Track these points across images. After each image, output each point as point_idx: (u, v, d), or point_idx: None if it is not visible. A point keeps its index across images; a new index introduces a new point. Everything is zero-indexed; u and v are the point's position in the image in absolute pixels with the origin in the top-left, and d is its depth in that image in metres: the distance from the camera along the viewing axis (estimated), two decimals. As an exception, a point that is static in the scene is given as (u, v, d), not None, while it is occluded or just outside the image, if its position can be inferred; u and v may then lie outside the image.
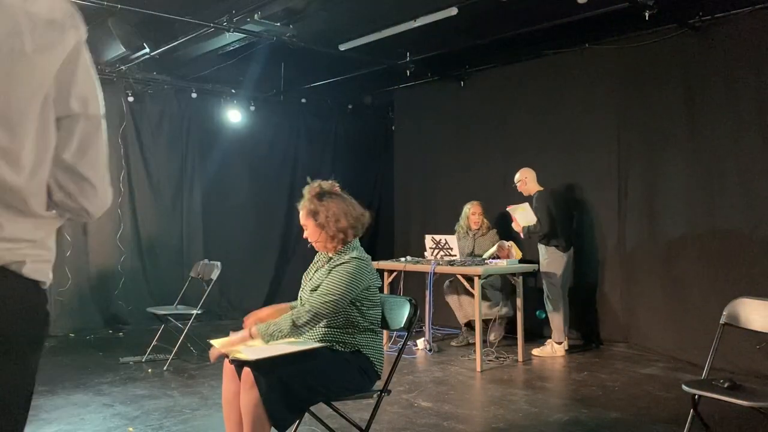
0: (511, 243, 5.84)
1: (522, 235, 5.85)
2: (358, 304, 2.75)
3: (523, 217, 5.76)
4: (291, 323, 2.60)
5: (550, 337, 5.84)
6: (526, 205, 5.77)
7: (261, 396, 2.44)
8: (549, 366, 5.43)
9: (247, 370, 2.49)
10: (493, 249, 5.88)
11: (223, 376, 2.73)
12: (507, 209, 5.87)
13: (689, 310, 5.36)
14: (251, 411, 2.47)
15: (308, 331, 2.69)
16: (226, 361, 2.69)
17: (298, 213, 2.89)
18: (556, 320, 5.80)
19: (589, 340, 6.26)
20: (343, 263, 2.75)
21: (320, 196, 2.85)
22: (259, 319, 2.76)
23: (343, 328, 2.75)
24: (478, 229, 6.20)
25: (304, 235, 2.90)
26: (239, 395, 2.58)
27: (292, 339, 2.68)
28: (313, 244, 2.89)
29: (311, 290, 2.79)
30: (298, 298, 2.94)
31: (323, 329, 2.76)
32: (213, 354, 2.64)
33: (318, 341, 2.75)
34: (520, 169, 6.02)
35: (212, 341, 2.73)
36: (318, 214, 2.81)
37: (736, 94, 5.12)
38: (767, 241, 4.91)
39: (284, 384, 2.49)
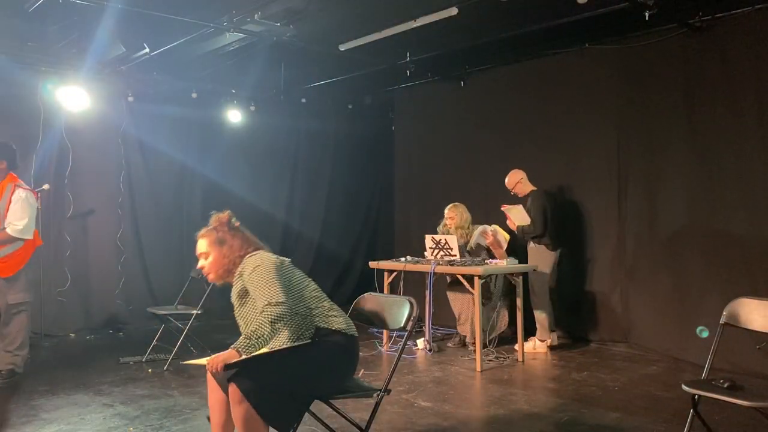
0: (495, 227, 5.83)
1: (517, 233, 5.96)
2: (279, 279, 2.73)
3: (516, 216, 5.85)
4: (267, 323, 2.56)
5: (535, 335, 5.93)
6: (520, 207, 5.87)
7: (254, 406, 2.45)
8: (549, 366, 5.43)
9: (233, 385, 2.49)
10: (476, 234, 5.85)
11: (207, 385, 2.79)
12: (502, 208, 5.94)
13: (689, 310, 5.36)
14: (244, 424, 2.48)
15: (282, 328, 2.68)
16: (209, 373, 2.69)
17: (197, 241, 2.94)
18: (542, 318, 5.88)
19: (589, 339, 6.27)
20: (243, 267, 2.79)
21: (230, 225, 2.93)
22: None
23: (293, 323, 2.73)
24: (459, 228, 6.06)
25: (199, 266, 2.92)
26: (223, 403, 2.66)
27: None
28: (211, 275, 2.89)
29: (236, 308, 2.83)
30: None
31: (282, 334, 2.75)
32: (217, 366, 2.53)
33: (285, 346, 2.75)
34: (513, 170, 6.06)
35: (191, 361, 2.76)
36: (224, 242, 2.86)
37: (736, 94, 5.12)
38: (767, 241, 4.91)
39: (274, 386, 2.50)
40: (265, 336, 2.57)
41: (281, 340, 2.75)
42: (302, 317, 2.76)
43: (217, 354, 2.59)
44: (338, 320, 2.81)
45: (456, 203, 6.19)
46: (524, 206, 5.88)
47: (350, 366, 2.85)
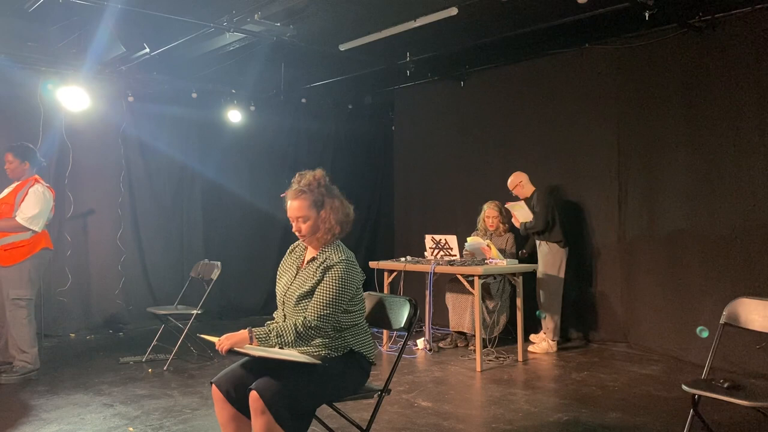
0: (488, 241, 5.83)
1: (520, 231, 5.98)
2: (344, 305, 2.66)
3: (520, 214, 5.90)
4: (295, 334, 2.52)
5: (545, 334, 5.92)
6: (522, 203, 5.90)
7: (275, 418, 2.38)
8: (549, 366, 5.43)
9: (254, 395, 2.41)
10: (476, 247, 5.87)
11: (214, 402, 2.64)
12: (506, 206, 6.00)
13: (689, 310, 5.36)
14: None
15: (308, 344, 2.64)
16: (214, 387, 2.61)
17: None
18: (554, 318, 5.87)
19: (589, 339, 6.27)
20: (333, 266, 2.63)
21: (329, 188, 2.75)
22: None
23: (331, 335, 2.67)
24: (495, 230, 6.16)
25: (296, 228, 2.75)
26: (235, 418, 2.58)
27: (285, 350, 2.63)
28: (305, 238, 2.78)
29: (299, 297, 2.65)
30: (279, 299, 2.80)
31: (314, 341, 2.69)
32: (224, 346, 2.51)
33: (310, 352, 2.69)
34: (514, 171, 6.11)
35: (205, 336, 2.72)
36: (324, 206, 2.71)
37: (736, 94, 5.12)
38: (767, 241, 4.91)
39: (292, 399, 2.46)
40: (286, 342, 2.52)
41: (310, 347, 2.68)
42: (342, 331, 2.69)
43: (229, 334, 2.54)
44: (368, 344, 2.77)
45: (495, 201, 6.18)
46: (529, 204, 5.88)
47: (363, 383, 2.81)
